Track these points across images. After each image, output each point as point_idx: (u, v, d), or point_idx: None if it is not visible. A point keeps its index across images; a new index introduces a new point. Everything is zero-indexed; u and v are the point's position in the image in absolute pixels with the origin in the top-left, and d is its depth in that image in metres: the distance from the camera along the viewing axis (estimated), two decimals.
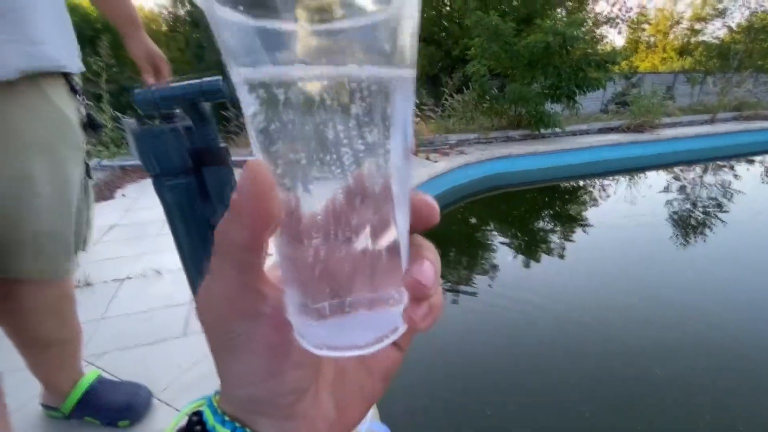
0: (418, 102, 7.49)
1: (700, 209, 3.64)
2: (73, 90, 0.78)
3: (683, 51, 17.43)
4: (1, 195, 0.69)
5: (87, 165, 0.84)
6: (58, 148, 0.75)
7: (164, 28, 12.72)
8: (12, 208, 0.71)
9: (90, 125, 0.82)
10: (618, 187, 4.55)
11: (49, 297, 0.84)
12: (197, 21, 8.33)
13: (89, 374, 1.03)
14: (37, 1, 0.67)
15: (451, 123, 6.23)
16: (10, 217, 0.71)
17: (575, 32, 4.83)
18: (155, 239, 2.24)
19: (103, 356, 1.30)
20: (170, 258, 1.92)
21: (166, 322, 1.49)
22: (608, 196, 4.24)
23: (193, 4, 11.55)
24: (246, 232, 0.14)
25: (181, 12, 12.56)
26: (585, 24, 5.56)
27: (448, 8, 11.34)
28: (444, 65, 10.85)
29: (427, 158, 4.37)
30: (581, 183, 4.66)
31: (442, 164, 3.92)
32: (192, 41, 8.51)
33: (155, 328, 1.45)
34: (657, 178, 4.85)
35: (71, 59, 0.77)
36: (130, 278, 1.83)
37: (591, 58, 5.22)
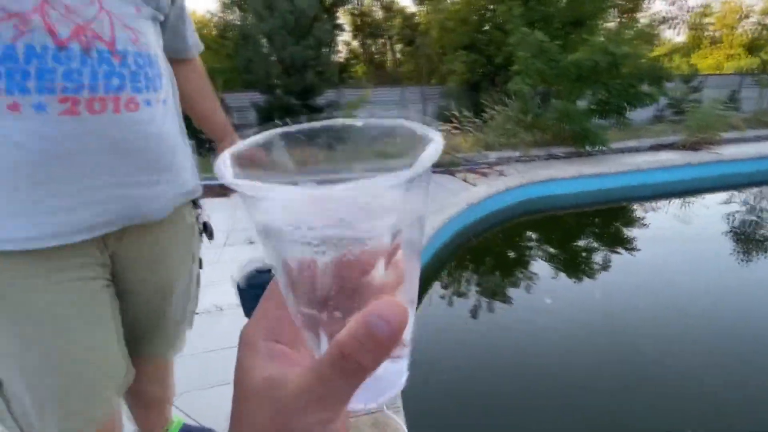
0: (456, 113, 7.49)
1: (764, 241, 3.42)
2: (194, 203, 0.93)
3: (752, 48, 15.97)
4: (153, 297, 0.85)
5: (200, 259, 1.01)
6: (190, 255, 0.92)
7: (214, 32, 13.43)
8: (159, 306, 0.87)
9: (206, 231, 0.99)
10: (670, 213, 4.34)
11: (160, 369, 1.03)
12: (247, 34, 8.76)
13: (175, 423, 1.22)
14: (180, 140, 0.80)
15: (490, 137, 6.19)
16: (157, 312, 0.88)
17: (626, 50, 4.64)
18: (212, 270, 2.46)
19: (181, 396, 1.50)
20: (230, 293, 2.12)
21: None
22: (658, 223, 4.07)
23: (242, 13, 12.10)
24: None
25: (231, 17, 13.21)
26: (639, 34, 5.30)
27: (491, 13, 11.13)
28: (485, 72, 10.69)
29: (465, 180, 4.41)
30: (629, 208, 4.50)
31: (481, 189, 3.94)
32: (241, 48, 8.95)
33: (228, 368, 1.63)
34: (716, 205, 4.55)
35: (197, 181, 0.91)
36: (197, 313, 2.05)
37: (644, 74, 5.00)
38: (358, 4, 19.15)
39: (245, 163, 0.16)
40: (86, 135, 0.60)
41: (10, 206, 0.57)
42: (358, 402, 0.16)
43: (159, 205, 0.73)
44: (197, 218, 0.94)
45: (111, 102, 0.61)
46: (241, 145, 0.16)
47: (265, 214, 0.14)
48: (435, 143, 0.15)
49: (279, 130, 0.17)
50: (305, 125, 0.18)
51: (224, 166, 0.14)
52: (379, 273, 0.15)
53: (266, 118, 8.09)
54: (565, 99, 5.43)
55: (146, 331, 0.91)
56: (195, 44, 0.97)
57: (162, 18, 0.76)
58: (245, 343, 0.19)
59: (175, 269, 0.88)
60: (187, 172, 0.82)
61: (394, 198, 0.14)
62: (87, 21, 0.58)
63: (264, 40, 8.15)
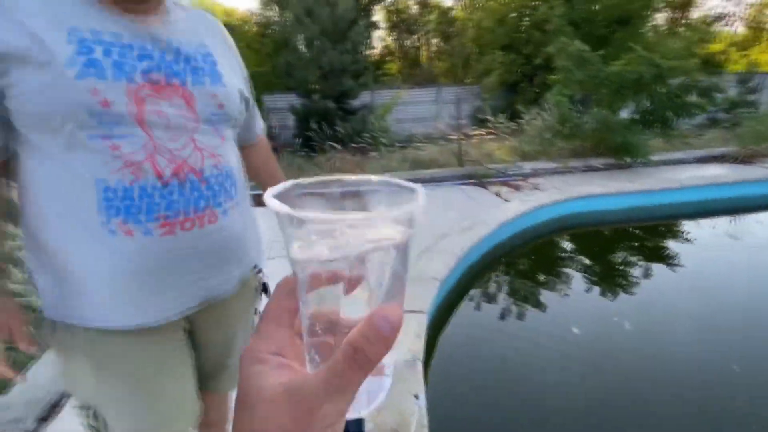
0: (491, 119, 7.40)
1: None
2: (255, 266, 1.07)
3: None
4: (220, 348, 1.02)
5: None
6: (252, 311, 1.06)
7: (254, 29, 13.84)
8: (224, 353, 1.04)
9: (265, 291, 1.14)
10: (718, 233, 4.16)
11: (223, 399, 1.21)
12: (287, 39, 9.01)
13: None
14: (250, 226, 0.93)
15: (525, 145, 6.10)
16: (222, 358, 1.05)
17: (674, 64, 4.43)
18: None
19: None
20: None
21: None
22: (705, 243, 3.91)
23: (282, 10, 12.38)
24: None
25: (270, 13, 13.53)
26: (688, 44, 5.03)
27: (530, 12, 10.80)
28: (524, 72, 10.43)
29: (498, 194, 4.41)
30: (672, 226, 4.33)
31: (514, 206, 3.94)
32: (281, 53, 9.21)
33: None
34: None
35: (261, 247, 1.03)
36: None
37: (693, 85, 4.75)
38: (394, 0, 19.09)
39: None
40: (178, 248, 0.75)
41: (122, 301, 0.74)
42: (353, 411, 0.20)
43: (231, 286, 0.89)
44: (259, 281, 1.09)
45: (197, 220, 0.77)
46: (279, 187, 0.22)
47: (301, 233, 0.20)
48: (417, 201, 0.20)
49: (299, 181, 0.23)
50: (319, 179, 0.24)
51: (270, 198, 0.20)
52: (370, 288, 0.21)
53: (304, 120, 8.35)
54: (605, 108, 5.26)
55: (213, 372, 1.08)
56: (260, 127, 1.11)
57: (239, 128, 0.91)
58: (252, 357, 0.21)
59: (239, 325, 1.03)
60: (254, 250, 0.97)
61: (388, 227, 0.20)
62: (184, 159, 0.73)
63: (303, 46, 8.36)
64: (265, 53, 12.48)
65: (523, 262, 3.67)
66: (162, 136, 0.70)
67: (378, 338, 0.18)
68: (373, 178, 0.24)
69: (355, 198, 0.24)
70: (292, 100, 8.74)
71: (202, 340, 0.98)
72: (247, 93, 0.92)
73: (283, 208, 0.19)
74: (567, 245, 4.04)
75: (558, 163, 5.26)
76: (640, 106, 5.13)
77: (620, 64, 5.03)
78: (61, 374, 0.83)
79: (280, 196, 0.21)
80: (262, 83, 9.37)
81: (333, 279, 0.21)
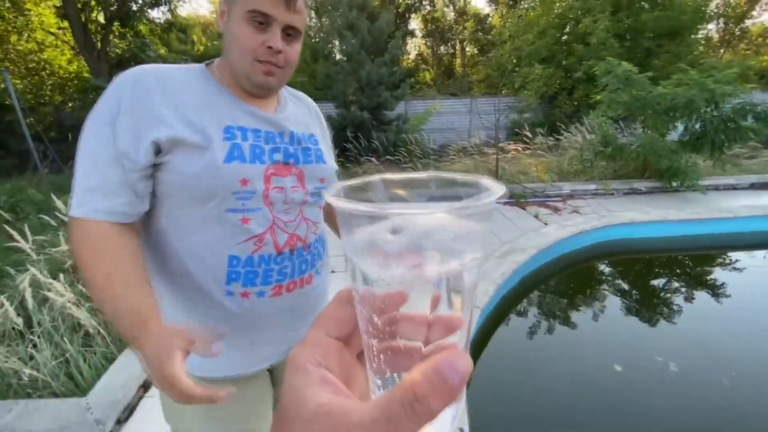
0: (529, 136, 7.30)
1: None
2: None
3: None
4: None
5: None
6: None
7: None
8: None
9: None
10: None
11: None
12: (327, 52, 9.24)
13: None
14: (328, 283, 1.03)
15: (564, 164, 5.99)
16: None
17: (728, 89, 4.25)
18: None
19: None
20: None
21: None
22: (759, 277, 3.71)
23: (320, 18, 12.69)
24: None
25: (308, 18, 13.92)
26: (743, 69, 4.80)
27: (572, 25, 10.57)
28: (563, 85, 10.22)
29: (536, 217, 4.37)
30: (722, 257, 4.14)
31: (553, 230, 3.89)
32: (320, 65, 9.44)
33: None
34: None
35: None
36: None
37: (748, 109, 4.53)
38: (431, 7, 19.14)
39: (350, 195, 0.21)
40: (281, 307, 0.85)
41: (228, 353, 0.84)
42: None
43: None
44: None
45: (299, 282, 0.86)
46: (352, 181, 0.22)
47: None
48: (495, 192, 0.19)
49: (382, 176, 0.23)
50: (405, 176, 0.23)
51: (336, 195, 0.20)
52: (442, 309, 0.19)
53: (340, 130, 8.54)
54: (652, 130, 5.10)
55: None
56: None
57: None
58: (296, 366, 0.20)
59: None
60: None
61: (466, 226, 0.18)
62: (295, 230, 0.83)
63: (343, 59, 8.57)
64: (303, 60, 12.88)
65: (561, 289, 3.62)
66: (279, 210, 0.80)
67: (444, 389, 0.16)
68: (423, 174, 0.23)
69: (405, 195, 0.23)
70: (329, 110, 8.96)
71: (280, 378, 1.09)
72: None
73: (363, 206, 0.17)
74: (609, 273, 3.94)
75: (599, 185, 5.14)
76: (689, 128, 4.94)
77: (670, 85, 4.87)
78: (166, 409, 0.94)
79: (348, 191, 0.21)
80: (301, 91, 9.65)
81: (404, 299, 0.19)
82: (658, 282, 3.81)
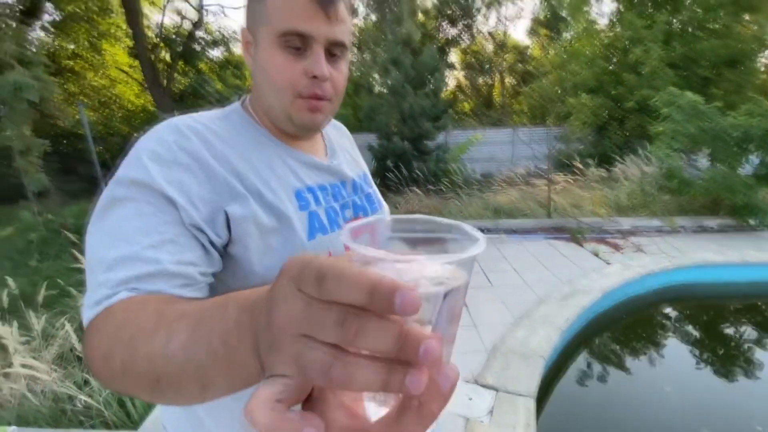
0: (580, 167, 7.00)
1: None
2: None
3: None
4: None
5: None
6: None
7: None
8: None
9: None
10: None
11: None
12: (371, 86, 9.53)
13: None
14: None
15: (622, 197, 5.63)
16: None
17: None
18: None
19: None
20: None
21: None
22: None
23: (361, 53, 13.21)
24: None
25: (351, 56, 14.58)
26: None
27: (621, 55, 10.31)
28: (612, 116, 9.85)
29: (596, 254, 4.07)
30: None
31: (616, 270, 3.59)
32: (364, 98, 9.73)
33: None
34: None
35: None
36: None
37: None
38: (470, 41, 19.53)
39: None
40: None
41: None
42: None
43: None
44: None
45: None
46: (357, 222, 0.27)
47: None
48: (479, 246, 0.23)
49: (387, 217, 0.28)
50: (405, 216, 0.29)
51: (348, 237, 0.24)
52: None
53: (381, 159, 8.63)
54: (721, 163, 4.71)
55: None
56: None
57: None
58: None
59: None
60: None
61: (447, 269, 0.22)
62: None
63: (386, 92, 8.78)
64: (346, 93, 13.41)
65: (628, 336, 3.28)
66: None
67: (439, 396, 0.20)
68: (445, 221, 0.28)
69: (429, 242, 0.28)
70: (371, 140, 9.12)
71: None
72: None
73: (355, 245, 0.22)
74: (681, 319, 3.55)
75: (662, 221, 4.75)
76: (765, 162, 4.52)
77: (741, 115, 4.52)
78: None
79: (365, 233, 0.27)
80: (344, 124, 9.97)
81: None
82: (736, 333, 3.36)
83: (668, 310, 3.64)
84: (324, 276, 0.18)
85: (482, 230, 0.31)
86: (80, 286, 2.96)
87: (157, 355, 0.33)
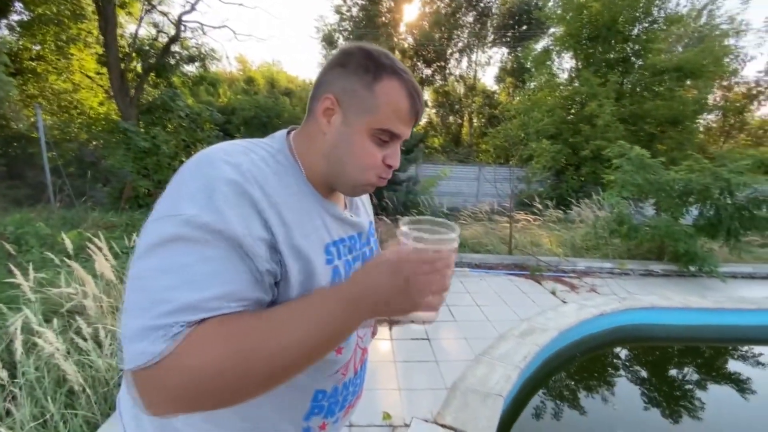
0: (540, 208, 7.36)
1: None
2: None
3: None
4: None
5: None
6: None
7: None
8: None
9: None
10: None
11: None
12: None
13: None
14: None
15: (578, 239, 5.94)
16: None
17: (743, 179, 4.34)
18: None
19: None
20: None
21: None
22: None
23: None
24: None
25: None
26: (757, 164, 4.95)
27: (578, 107, 11.21)
28: (570, 162, 10.55)
29: (553, 293, 4.22)
30: (745, 350, 3.92)
31: (572, 309, 3.73)
32: None
33: None
34: None
35: None
36: None
37: (763, 200, 4.58)
38: (443, 82, 20.55)
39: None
40: (338, 421, 0.75)
41: None
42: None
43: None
44: None
45: (360, 394, 0.79)
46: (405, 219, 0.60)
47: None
48: (456, 233, 0.58)
49: (408, 219, 0.61)
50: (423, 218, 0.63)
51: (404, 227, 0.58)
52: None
53: None
54: (665, 213, 5.11)
55: None
56: None
57: None
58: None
59: None
60: None
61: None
62: (367, 343, 0.77)
63: None
64: None
65: (582, 375, 3.37)
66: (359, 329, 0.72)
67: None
68: (440, 221, 0.62)
69: (432, 232, 0.58)
70: None
71: None
72: None
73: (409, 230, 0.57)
74: (631, 360, 3.70)
75: (614, 264, 5.04)
76: (704, 214, 4.96)
77: (682, 171, 4.97)
78: None
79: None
80: None
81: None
82: (680, 374, 3.55)
83: (619, 349, 3.79)
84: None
85: None
86: (12, 303, 2.68)
87: (275, 354, 0.47)
